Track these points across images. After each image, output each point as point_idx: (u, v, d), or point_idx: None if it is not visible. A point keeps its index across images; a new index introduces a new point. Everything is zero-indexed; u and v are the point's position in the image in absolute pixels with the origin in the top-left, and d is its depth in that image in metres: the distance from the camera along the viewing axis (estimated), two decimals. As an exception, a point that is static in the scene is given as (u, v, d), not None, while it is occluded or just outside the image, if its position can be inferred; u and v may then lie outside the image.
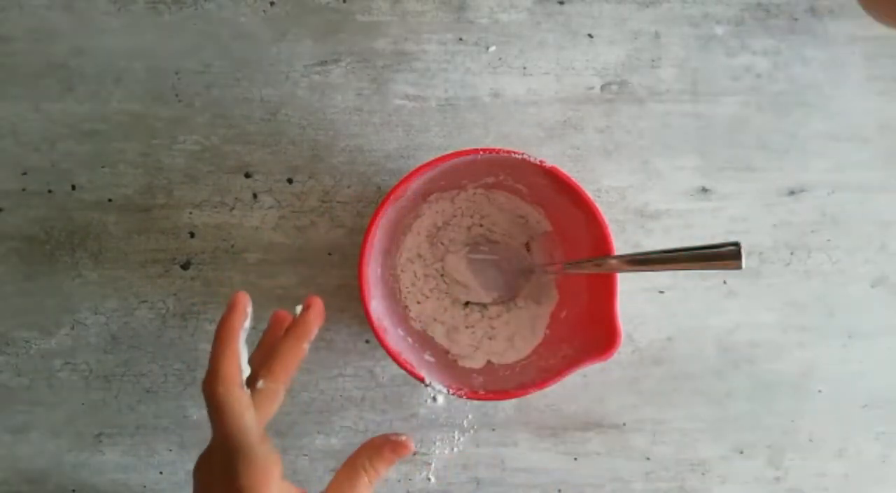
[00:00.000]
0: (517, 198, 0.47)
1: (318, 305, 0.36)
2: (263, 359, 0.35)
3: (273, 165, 0.49)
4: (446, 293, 0.48)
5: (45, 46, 0.49)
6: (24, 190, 0.49)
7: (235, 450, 0.32)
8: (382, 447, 0.35)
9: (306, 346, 0.35)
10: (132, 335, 0.49)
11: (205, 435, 0.50)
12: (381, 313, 0.43)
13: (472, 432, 0.49)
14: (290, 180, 0.49)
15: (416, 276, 0.48)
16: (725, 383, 0.50)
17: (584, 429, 0.50)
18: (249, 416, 0.33)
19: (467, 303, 0.48)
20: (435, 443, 0.49)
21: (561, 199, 0.43)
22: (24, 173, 0.49)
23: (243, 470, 0.32)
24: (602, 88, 0.50)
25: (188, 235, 0.49)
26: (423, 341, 0.47)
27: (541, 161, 0.41)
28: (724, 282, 0.50)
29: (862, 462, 0.50)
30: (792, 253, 0.50)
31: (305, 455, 0.49)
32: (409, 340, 0.45)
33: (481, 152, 0.40)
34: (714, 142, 0.50)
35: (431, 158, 0.40)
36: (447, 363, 0.45)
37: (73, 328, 0.49)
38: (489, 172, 0.45)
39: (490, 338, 0.47)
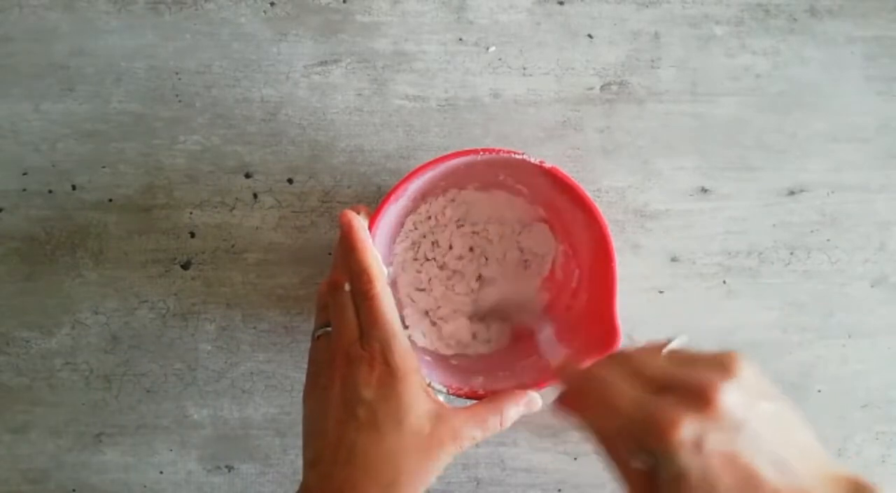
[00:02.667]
0: (516, 197, 0.47)
1: (344, 215, 0.38)
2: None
3: (273, 166, 0.49)
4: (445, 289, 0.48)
5: (46, 46, 0.49)
6: (24, 190, 0.49)
7: (391, 336, 0.36)
8: (520, 399, 0.39)
9: (362, 237, 0.38)
10: (132, 335, 0.49)
11: (205, 435, 0.50)
12: None
13: (472, 431, 0.49)
14: (290, 180, 0.49)
15: (414, 275, 0.48)
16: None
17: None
18: (394, 307, 0.37)
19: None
20: (435, 443, 0.49)
21: (561, 199, 0.43)
22: (25, 173, 0.49)
23: (396, 353, 0.36)
24: (602, 88, 0.50)
25: (189, 235, 0.49)
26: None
27: (541, 161, 0.41)
28: (724, 282, 0.50)
29: (862, 462, 0.50)
30: (791, 253, 0.50)
31: (305, 455, 0.49)
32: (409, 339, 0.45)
33: (481, 152, 0.40)
34: (714, 142, 0.50)
35: (431, 158, 0.40)
36: (447, 363, 0.45)
37: (73, 328, 0.49)
38: (489, 173, 0.45)
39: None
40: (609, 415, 0.31)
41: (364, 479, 0.34)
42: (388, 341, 0.36)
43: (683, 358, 0.32)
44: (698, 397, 0.28)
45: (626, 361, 0.33)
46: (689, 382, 0.29)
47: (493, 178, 0.45)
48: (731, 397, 0.29)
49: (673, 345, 0.33)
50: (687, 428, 0.28)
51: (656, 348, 0.33)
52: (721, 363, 0.30)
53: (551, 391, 0.37)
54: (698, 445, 0.28)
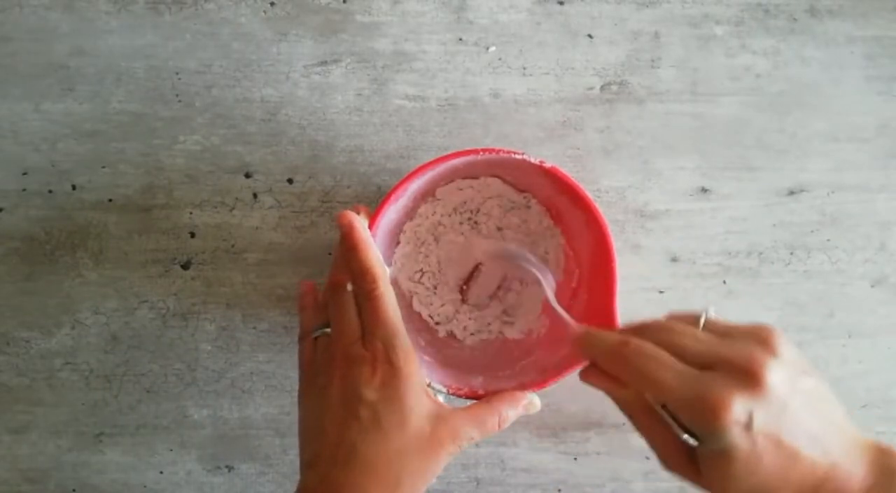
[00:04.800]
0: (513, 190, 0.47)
1: (343, 215, 0.39)
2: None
3: (273, 166, 0.49)
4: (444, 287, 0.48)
5: (46, 46, 0.49)
6: (24, 190, 0.49)
7: (394, 335, 0.36)
8: (518, 401, 0.39)
9: (364, 236, 0.38)
10: (132, 335, 0.49)
11: (205, 435, 0.50)
12: None
13: (472, 431, 0.49)
14: (290, 180, 0.49)
15: (413, 275, 0.48)
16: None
17: (584, 429, 0.50)
18: (397, 307, 0.37)
19: (463, 300, 0.48)
20: (435, 443, 0.49)
21: (561, 199, 0.43)
22: (25, 173, 0.49)
23: (399, 353, 0.36)
24: (602, 88, 0.50)
25: (188, 235, 0.49)
26: (422, 339, 0.47)
27: (541, 161, 0.41)
28: (724, 282, 0.50)
29: (862, 462, 0.50)
30: (791, 253, 0.50)
31: (305, 455, 0.49)
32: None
33: (481, 152, 0.40)
34: (714, 142, 0.50)
35: (431, 158, 0.40)
36: (446, 363, 0.45)
37: (73, 328, 0.49)
38: (489, 173, 0.45)
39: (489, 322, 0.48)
40: (653, 390, 0.30)
41: (366, 480, 0.34)
42: (391, 340, 0.36)
43: (721, 330, 0.32)
44: (747, 376, 0.29)
45: (663, 332, 0.32)
46: (735, 359, 0.29)
47: (492, 178, 0.45)
48: (776, 375, 0.29)
49: (709, 314, 0.33)
50: (738, 407, 0.28)
51: (690, 319, 0.33)
52: (760, 338, 0.30)
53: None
54: (748, 424, 0.28)
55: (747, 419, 0.28)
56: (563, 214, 0.44)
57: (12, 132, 0.49)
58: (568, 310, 0.45)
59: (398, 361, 0.36)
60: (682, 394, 0.29)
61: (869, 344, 0.50)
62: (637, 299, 0.49)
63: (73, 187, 0.49)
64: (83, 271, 0.49)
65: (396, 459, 0.35)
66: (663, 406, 0.31)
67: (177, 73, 0.49)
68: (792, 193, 0.50)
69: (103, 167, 0.49)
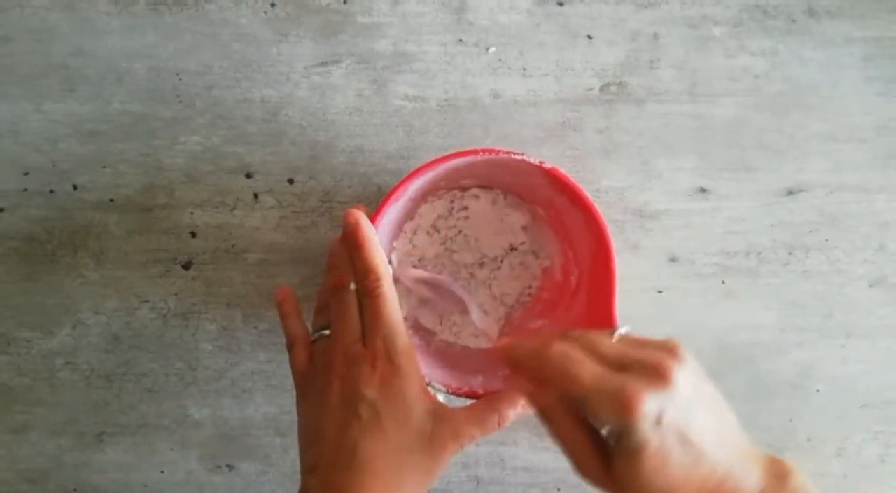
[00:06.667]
0: (516, 198, 0.47)
1: (350, 214, 0.39)
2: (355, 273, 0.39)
3: (274, 166, 0.49)
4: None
5: (46, 47, 0.49)
6: (25, 190, 0.49)
7: (396, 334, 0.37)
8: (518, 401, 0.39)
9: (368, 235, 0.38)
10: (133, 335, 0.49)
11: (206, 435, 0.50)
12: None
13: (471, 431, 0.49)
14: (290, 181, 0.49)
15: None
16: (724, 383, 0.49)
17: (583, 429, 0.50)
18: (398, 307, 0.38)
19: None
20: (435, 442, 0.49)
21: (561, 199, 0.43)
22: (26, 173, 0.49)
23: (400, 352, 0.36)
24: (601, 88, 0.50)
25: (189, 235, 0.49)
26: (422, 339, 0.47)
27: (540, 162, 0.41)
28: (723, 282, 0.50)
29: (861, 462, 0.50)
30: (790, 253, 0.50)
31: (306, 455, 0.49)
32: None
33: (481, 153, 0.40)
34: (713, 142, 0.50)
35: (431, 158, 0.40)
36: (446, 363, 0.46)
37: (74, 328, 0.49)
38: (489, 173, 0.45)
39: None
40: (573, 386, 0.32)
41: (367, 480, 0.34)
42: (392, 338, 0.36)
43: (632, 342, 0.34)
44: (657, 375, 0.31)
45: (582, 339, 0.34)
46: (646, 361, 0.32)
47: (492, 178, 0.45)
48: (683, 376, 0.31)
49: (621, 331, 0.35)
50: (650, 402, 0.30)
51: (605, 333, 0.35)
52: (668, 347, 0.32)
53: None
54: (658, 419, 0.30)
55: (658, 413, 0.30)
56: (563, 214, 0.45)
57: (13, 132, 0.49)
58: (568, 310, 0.46)
59: (398, 359, 0.36)
60: (599, 390, 0.31)
61: (868, 344, 0.50)
62: (636, 299, 0.49)
63: (74, 187, 0.49)
64: (84, 271, 0.49)
65: (398, 458, 0.35)
66: (580, 409, 0.33)
67: (177, 74, 0.49)
68: (791, 193, 0.50)
69: (104, 167, 0.49)
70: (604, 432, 0.31)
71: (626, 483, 0.32)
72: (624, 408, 0.30)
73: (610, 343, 0.34)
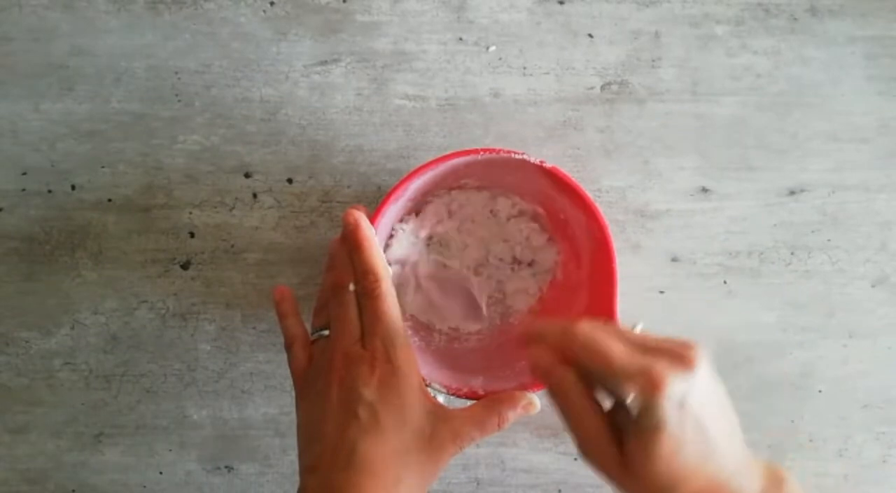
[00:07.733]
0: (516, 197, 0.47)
1: (350, 214, 0.39)
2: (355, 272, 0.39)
3: (273, 165, 0.49)
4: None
5: (45, 46, 0.49)
6: (23, 190, 0.49)
7: (395, 334, 0.37)
8: (518, 402, 0.39)
9: (369, 235, 0.38)
10: (132, 335, 0.49)
11: (205, 435, 0.50)
12: None
13: (472, 432, 0.49)
14: (290, 180, 0.49)
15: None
16: (725, 383, 0.49)
17: (584, 429, 0.49)
18: (398, 307, 0.38)
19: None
20: (435, 443, 0.49)
21: (561, 199, 0.43)
22: (24, 173, 0.49)
23: (399, 352, 0.36)
24: (602, 87, 0.50)
25: (188, 235, 0.49)
26: (422, 340, 0.47)
27: (541, 161, 0.41)
28: (725, 282, 0.50)
29: (862, 463, 0.50)
30: (792, 253, 0.50)
31: (305, 455, 0.49)
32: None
33: (481, 152, 0.40)
34: (714, 142, 0.50)
35: (431, 158, 0.40)
36: (446, 363, 0.45)
37: (72, 328, 0.49)
38: (489, 173, 0.45)
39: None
40: (600, 361, 0.32)
41: (366, 481, 0.34)
42: (391, 338, 0.36)
43: (652, 337, 0.35)
44: (683, 362, 0.31)
45: (607, 326, 0.35)
46: (672, 349, 0.32)
47: (492, 178, 0.45)
48: (706, 369, 0.32)
49: (640, 327, 0.36)
50: (676, 384, 0.30)
51: (625, 328, 0.36)
52: (689, 343, 0.33)
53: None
54: (682, 402, 0.31)
55: (682, 396, 0.31)
56: (563, 214, 0.44)
57: (12, 132, 0.49)
58: (569, 310, 0.46)
59: (397, 360, 0.36)
60: (628, 365, 0.31)
61: (869, 344, 0.50)
62: (637, 299, 0.49)
63: (73, 187, 0.49)
64: (83, 271, 0.49)
65: (397, 459, 0.35)
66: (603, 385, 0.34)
67: (176, 73, 0.49)
68: (792, 193, 0.50)
69: (103, 167, 0.49)
70: (628, 400, 0.31)
71: (635, 466, 0.32)
72: (651, 385, 0.30)
73: (633, 332, 0.35)
